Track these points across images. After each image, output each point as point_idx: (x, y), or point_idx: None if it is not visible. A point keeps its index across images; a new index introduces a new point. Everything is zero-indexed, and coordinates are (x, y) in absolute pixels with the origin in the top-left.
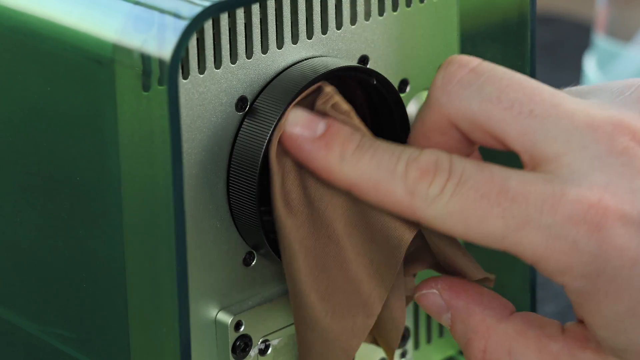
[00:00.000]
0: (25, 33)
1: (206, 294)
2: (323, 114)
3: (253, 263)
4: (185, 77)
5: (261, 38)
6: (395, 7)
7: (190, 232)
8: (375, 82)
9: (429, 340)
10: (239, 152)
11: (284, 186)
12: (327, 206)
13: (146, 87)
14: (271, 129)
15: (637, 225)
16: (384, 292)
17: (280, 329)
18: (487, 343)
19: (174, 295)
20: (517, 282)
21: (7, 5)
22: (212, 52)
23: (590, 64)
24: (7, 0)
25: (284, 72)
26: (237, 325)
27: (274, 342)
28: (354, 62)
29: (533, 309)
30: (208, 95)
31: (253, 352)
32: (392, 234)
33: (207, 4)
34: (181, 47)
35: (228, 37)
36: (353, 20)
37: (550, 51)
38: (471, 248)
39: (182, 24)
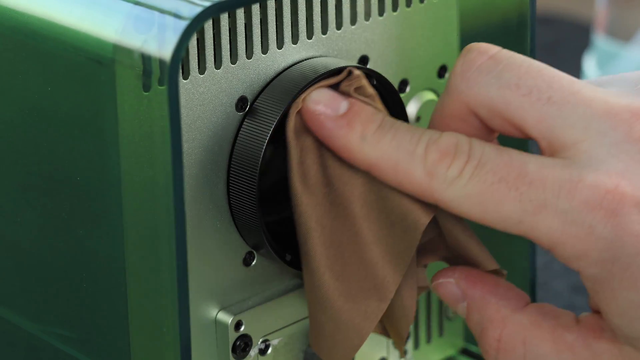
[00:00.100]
0: (26, 33)
1: (206, 294)
2: (347, 95)
3: (253, 263)
4: (185, 77)
5: (261, 38)
6: (395, 7)
7: (190, 232)
8: (375, 82)
9: (429, 340)
10: (239, 152)
11: (303, 163)
12: (345, 186)
13: (146, 87)
14: (271, 129)
15: None
16: (398, 277)
17: (280, 329)
18: (502, 333)
19: (174, 295)
20: (517, 282)
21: (7, 6)
22: (212, 52)
23: (590, 64)
24: (8, 0)
25: (284, 72)
26: (237, 325)
27: (274, 342)
28: (354, 62)
29: None
30: (208, 96)
31: (253, 352)
32: (408, 217)
33: (207, 4)
34: (181, 47)
35: (228, 37)
36: (353, 21)
37: (550, 51)
38: None
39: (182, 24)
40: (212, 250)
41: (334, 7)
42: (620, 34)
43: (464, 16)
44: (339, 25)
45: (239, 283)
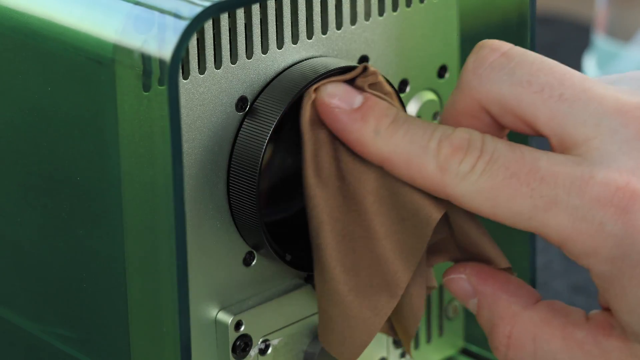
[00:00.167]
0: (26, 33)
1: (206, 294)
2: (362, 90)
3: (253, 263)
4: (185, 77)
5: (261, 38)
6: (395, 7)
7: (190, 232)
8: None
9: (429, 340)
10: (239, 152)
11: (317, 156)
12: (358, 181)
13: (146, 87)
14: (271, 129)
15: None
16: (409, 273)
17: (280, 329)
18: (512, 329)
19: (174, 295)
20: None
21: (7, 6)
22: (212, 52)
23: (590, 64)
24: (8, 0)
25: (284, 72)
26: (237, 325)
27: (274, 342)
28: (354, 62)
29: None
30: (208, 95)
31: (253, 352)
32: (420, 212)
33: (207, 4)
34: (181, 47)
35: (228, 37)
36: (353, 21)
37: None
38: None
39: (182, 24)
40: (212, 250)
41: (334, 7)
42: (620, 34)
43: (464, 16)
44: (339, 25)
45: (239, 283)
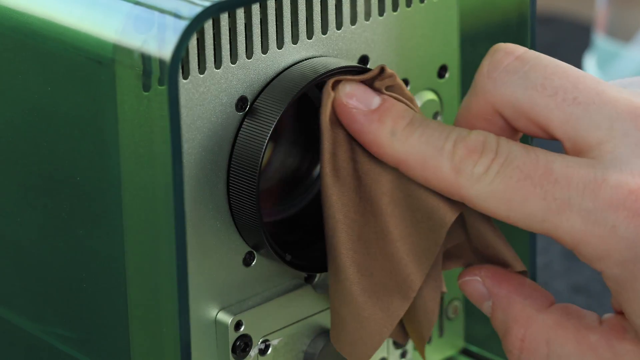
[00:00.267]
0: (26, 33)
1: (206, 294)
2: (380, 92)
3: (253, 263)
4: (185, 77)
5: (261, 38)
6: (395, 7)
7: (190, 232)
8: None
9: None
10: (239, 152)
11: (335, 155)
12: (374, 183)
13: (146, 87)
14: (271, 129)
15: None
16: (422, 275)
17: (280, 329)
18: (526, 332)
19: (174, 295)
20: None
21: (7, 6)
22: (212, 52)
23: (590, 64)
24: (8, 0)
25: (284, 72)
26: (237, 325)
27: (274, 342)
28: (354, 62)
29: None
30: (208, 95)
31: (253, 352)
32: (434, 215)
33: (207, 4)
34: (181, 47)
35: (228, 37)
36: (353, 20)
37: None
38: None
39: (182, 24)
40: (212, 250)
41: (334, 7)
42: (620, 34)
43: (464, 16)
44: (339, 25)
45: (239, 283)
